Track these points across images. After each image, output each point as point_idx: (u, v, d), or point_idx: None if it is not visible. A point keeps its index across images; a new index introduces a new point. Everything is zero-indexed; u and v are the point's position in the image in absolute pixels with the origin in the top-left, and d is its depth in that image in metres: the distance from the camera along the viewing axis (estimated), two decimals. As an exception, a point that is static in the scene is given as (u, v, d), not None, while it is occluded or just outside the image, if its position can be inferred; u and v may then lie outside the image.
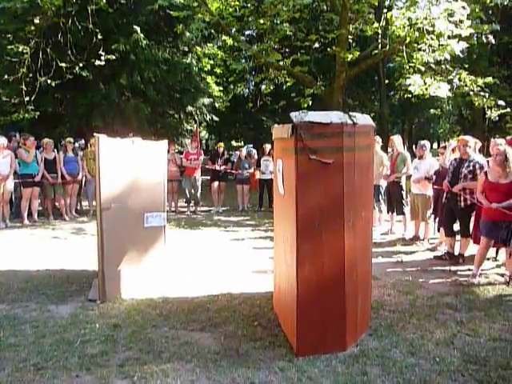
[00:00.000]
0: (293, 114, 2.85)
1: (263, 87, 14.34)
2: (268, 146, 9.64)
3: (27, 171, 7.61)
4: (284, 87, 14.89)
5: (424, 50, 9.66)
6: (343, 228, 2.94)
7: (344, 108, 13.18)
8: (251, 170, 9.54)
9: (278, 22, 12.00)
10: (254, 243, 6.45)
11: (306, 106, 11.20)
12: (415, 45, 9.68)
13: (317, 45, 13.67)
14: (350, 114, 2.95)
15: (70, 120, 13.90)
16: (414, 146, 13.47)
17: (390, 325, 3.48)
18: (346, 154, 2.89)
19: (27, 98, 11.40)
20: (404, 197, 6.86)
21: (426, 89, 9.95)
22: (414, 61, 10.33)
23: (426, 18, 8.80)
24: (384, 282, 4.56)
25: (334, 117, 2.87)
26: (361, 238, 3.13)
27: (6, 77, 11.96)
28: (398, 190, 6.80)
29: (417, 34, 9.22)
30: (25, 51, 11.73)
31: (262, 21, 12.00)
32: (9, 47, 11.78)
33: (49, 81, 11.37)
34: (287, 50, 15.71)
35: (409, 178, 6.82)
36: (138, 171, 4.07)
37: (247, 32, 17.65)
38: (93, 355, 2.93)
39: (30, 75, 11.89)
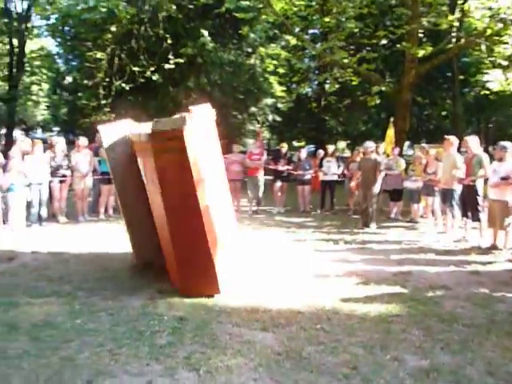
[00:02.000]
0: (152, 123, 3.76)
1: (327, 86, 14.12)
2: (331, 147, 9.48)
3: (107, 169, 8.17)
4: (349, 86, 14.55)
5: (507, 43, 8.92)
6: (198, 204, 3.74)
7: (413, 106, 12.59)
8: (311, 171, 9.42)
9: (344, 19, 11.76)
10: (315, 245, 6.37)
11: (373, 104, 10.87)
12: (496, 37, 8.98)
13: (384, 41, 13.20)
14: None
15: (142, 122, 14.69)
16: (490, 148, 12.46)
17: (464, 340, 3.25)
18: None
19: (104, 101, 12.29)
20: (480, 202, 6.37)
21: (508, 84, 9.19)
22: (494, 55, 9.59)
23: (509, 8, 8.12)
24: (456, 292, 4.27)
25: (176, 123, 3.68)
26: (213, 209, 3.99)
27: (85, 82, 12.97)
28: (473, 195, 6.33)
29: (499, 25, 8.55)
30: (102, 57, 12.63)
31: (327, 19, 11.84)
32: (88, 54, 12.74)
33: (123, 84, 12.12)
34: (353, 47, 15.35)
35: (486, 181, 6.34)
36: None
37: (311, 31, 17.51)
38: (161, 346, 3.07)
39: (107, 80, 12.78)
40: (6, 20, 18.88)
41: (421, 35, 11.86)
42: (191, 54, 13.08)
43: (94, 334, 3.21)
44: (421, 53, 10.21)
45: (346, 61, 11.53)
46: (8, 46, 20.20)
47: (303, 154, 9.66)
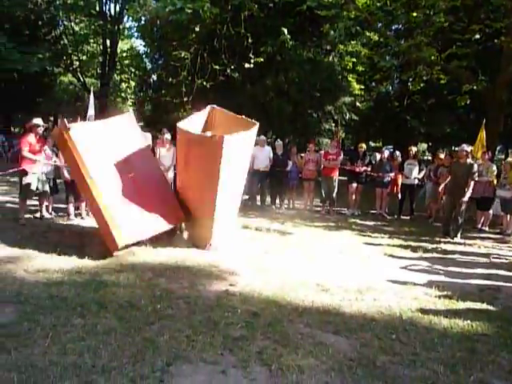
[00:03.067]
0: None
1: (411, 85, 13.39)
2: (414, 149, 8.99)
3: None
4: (435, 84, 13.66)
5: None
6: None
7: (508, 106, 11.50)
8: (392, 174, 9.00)
9: (433, 13, 11.06)
10: (391, 251, 6.11)
11: (462, 104, 10.10)
12: None
13: (477, 36, 12.18)
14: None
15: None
16: None
17: None
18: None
19: (186, 99, 12.88)
20: None
21: None
22: None
23: None
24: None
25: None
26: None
27: (169, 80, 13.70)
28: None
29: None
30: (186, 56, 13.22)
31: (414, 14, 11.22)
32: (173, 53, 13.42)
33: (204, 83, 12.59)
34: (441, 43, 14.37)
35: None
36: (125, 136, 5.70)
37: (394, 27, 16.70)
38: (235, 338, 3.14)
39: (189, 78, 13.37)
40: (100, 22, 20.65)
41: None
42: (270, 53, 13.18)
43: (173, 319, 3.39)
44: (523, 48, 9.26)
45: (433, 58, 10.83)
46: (101, 47, 22.06)
47: (386, 154, 9.25)
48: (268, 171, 9.10)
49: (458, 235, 7.06)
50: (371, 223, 8.34)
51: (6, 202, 8.15)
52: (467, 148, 7.28)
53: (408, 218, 8.97)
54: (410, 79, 13.24)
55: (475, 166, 7.12)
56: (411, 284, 4.60)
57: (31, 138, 6.49)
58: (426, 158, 22.31)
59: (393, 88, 19.03)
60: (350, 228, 7.73)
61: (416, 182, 9.00)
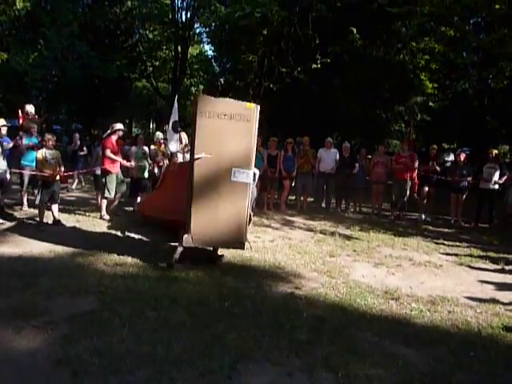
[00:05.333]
0: None
1: (492, 82, 12.41)
2: (494, 151, 8.32)
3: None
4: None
5: None
6: None
7: None
8: (469, 178, 8.38)
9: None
10: (467, 261, 5.71)
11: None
12: None
13: None
14: None
15: (285, 121, 15.22)
16: None
17: None
18: None
19: (253, 101, 13.06)
20: None
21: None
22: None
23: None
24: None
25: None
26: None
27: (237, 83, 14.00)
28: None
29: None
30: (253, 60, 13.43)
31: (497, 6, 10.37)
32: (241, 57, 13.69)
33: (271, 85, 12.70)
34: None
35: None
36: (228, 128, 4.38)
37: (473, 20, 15.58)
38: (301, 341, 3.12)
39: (256, 80, 13.56)
40: (173, 29, 21.67)
41: None
42: (338, 53, 12.96)
43: (239, 318, 3.45)
44: None
45: (518, 52, 9.95)
46: (173, 53, 23.13)
47: (462, 157, 8.65)
48: (334, 173, 8.95)
49: None
50: (445, 230, 7.85)
51: (91, 199, 8.86)
52: None
53: (487, 225, 8.31)
54: (491, 76, 12.26)
55: None
56: (491, 298, 4.26)
57: (113, 140, 7.02)
58: (508, 160, 20.51)
59: (471, 86, 17.72)
60: (422, 235, 7.33)
61: (497, 186, 8.31)
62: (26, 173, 7.21)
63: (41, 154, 6.14)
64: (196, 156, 4.39)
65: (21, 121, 8.01)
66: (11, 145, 6.95)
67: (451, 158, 8.99)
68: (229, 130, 4.40)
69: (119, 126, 7.17)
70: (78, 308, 3.45)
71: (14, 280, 3.94)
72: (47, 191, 6.14)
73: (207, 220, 4.47)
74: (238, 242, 4.55)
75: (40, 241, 5.36)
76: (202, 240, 4.52)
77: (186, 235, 4.47)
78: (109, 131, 7.17)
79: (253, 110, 4.48)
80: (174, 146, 7.76)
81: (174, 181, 6.33)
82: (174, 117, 7.84)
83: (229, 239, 4.55)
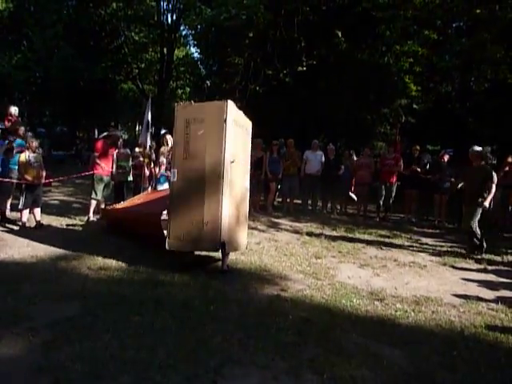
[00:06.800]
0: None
1: (474, 85, 12.65)
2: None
3: None
4: (502, 84, 12.79)
5: None
6: None
7: None
8: (453, 179, 8.52)
9: (498, 8, 10.38)
10: (451, 261, 5.79)
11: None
12: None
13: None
14: None
15: (270, 123, 15.24)
16: None
17: None
18: None
19: (239, 104, 13.07)
20: None
21: None
22: None
23: None
24: None
25: None
26: None
27: (223, 85, 14.00)
28: None
29: None
30: (239, 62, 13.46)
31: (478, 10, 10.60)
32: (227, 59, 13.71)
33: (257, 87, 12.73)
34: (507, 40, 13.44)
35: None
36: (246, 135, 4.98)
37: (455, 24, 15.86)
38: (286, 344, 3.12)
39: (243, 83, 13.58)
40: (158, 31, 21.58)
41: None
42: (323, 55, 13.07)
43: (225, 321, 3.43)
44: None
45: (499, 56, 10.17)
46: (159, 55, 23.03)
47: (446, 158, 8.79)
48: (320, 175, 9.00)
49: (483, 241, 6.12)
50: (429, 231, 7.96)
51: (74, 203, 8.73)
52: (479, 149, 6.27)
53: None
54: (473, 79, 12.51)
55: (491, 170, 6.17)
56: (474, 297, 4.33)
57: (102, 144, 7.01)
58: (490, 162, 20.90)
59: (453, 89, 18.02)
60: (407, 236, 7.42)
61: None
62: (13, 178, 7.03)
63: (24, 156, 6.04)
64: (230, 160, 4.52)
65: (6, 123, 7.87)
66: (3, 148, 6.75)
67: (427, 159, 9.13)
68: (241, 138, 4.80)
69: (118, 133, 7.23)
70: (60, 314, 3.39)
71: (-5, 286, 3.86)
72: (31, 195, 6.04)
73: (233, 225, 4.67)
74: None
75: (22, 245, 5.27)
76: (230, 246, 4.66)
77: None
78: (104, 134, 7.19)
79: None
80: (143, 138, 8.34)
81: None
82: (147, 116, 8.20)
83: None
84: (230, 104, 4.51)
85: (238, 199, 4.77)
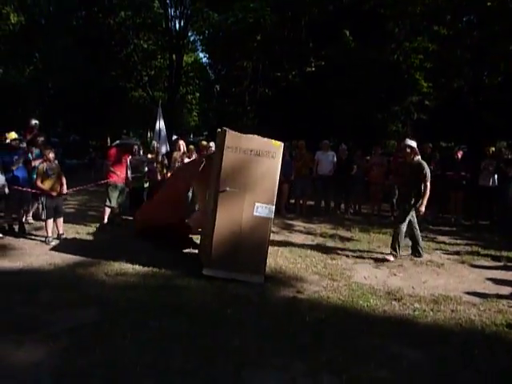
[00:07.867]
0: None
1: (486, 79, 12.43)
2: (491, 149, 8.32)
3: None
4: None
5: None
6: None
7: None
8: (468, 175, 8.37)
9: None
10: (469, 259, 5.70)
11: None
12: None
13: None
14: None
15: (281, 125, 15.21)
16: None
17: None
18: None
19: (249, 107, 13.12)
20: None
21: None
22: None
23: None
24: None
25: None
26: None
27: (233, 89, 14.05)
28: None
29: None
30: (248, 66, 13.49)
31: (489, 3, 10.45)
32: (237, 63, 13.75)
33: (266, 90, 12.75)
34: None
35: None
36: (254, 164, 4.44)
37: (465, 18, 15.64)
38: (303, 345, 3.11)
39: (251, 86, 13.60)
40: (166, 38, 21.78)
41: None
42: (332, 55, 13.00)
43: (242, 324, 3.43)
44: None
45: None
46: (168, 61, 23.22)
47: (459, 154, 8.63)
48: (332, 176, 8.95)
49: (398, 250, 5.53)
50: (446, 228, 7.84)
51: (89, 210, 8.84)
52: (411, 143, 5.62)
53: (487, 223, 8.30)
54: (486, 73, 12.31)
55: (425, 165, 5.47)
56: (494, 295, 4.26)
57: (116, 151, 7.11)
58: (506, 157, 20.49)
59: (466, 83, 17.72)
60: (422, 234, 7.26)
61: (496, 183, 8.31)
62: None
63: (42, 167, 6.12)
64: (221, 188, 4.41)
65: (28, 135, 7.96)
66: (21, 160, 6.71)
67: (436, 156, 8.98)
68: (254, 165, 4.48)
69: (129, 140, 7.33)
70: (79, 320, 3.43)
71: (15, 293, 3.93)
72: (51, 205, 6.10)
73: (228, 251, 4.47)
74: (256, 275, 4.47)
75: (40, 253, 5.35)
76: (221, 271, 4.47)
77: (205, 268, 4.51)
78: (116, 142, 7.29)
79: (279, 147, 4.56)
80: (161, 146, 8.75)
81: (168, 187, 6.33)
82: (160, 123, 8.34)
83: (248, 272, 4.47)
84: (232, 133, 4.52)
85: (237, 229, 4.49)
